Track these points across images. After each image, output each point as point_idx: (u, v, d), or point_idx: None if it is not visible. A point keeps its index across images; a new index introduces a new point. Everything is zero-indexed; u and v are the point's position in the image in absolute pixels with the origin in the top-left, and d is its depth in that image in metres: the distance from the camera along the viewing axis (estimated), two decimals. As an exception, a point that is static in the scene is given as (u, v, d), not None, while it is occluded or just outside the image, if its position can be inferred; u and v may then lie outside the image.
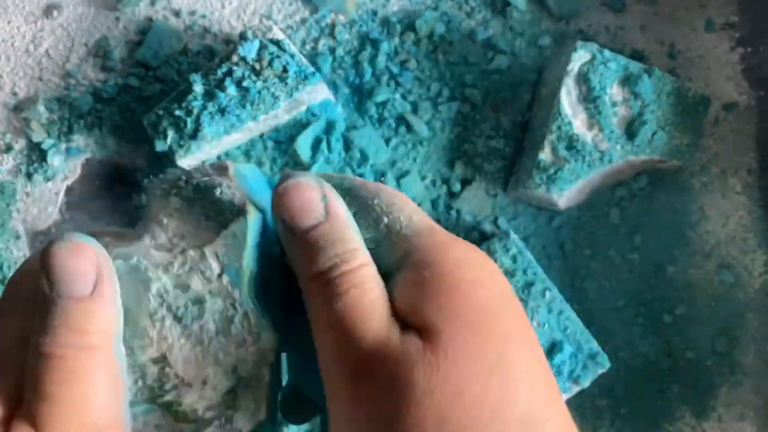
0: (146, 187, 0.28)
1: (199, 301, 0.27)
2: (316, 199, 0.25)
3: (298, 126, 0.57)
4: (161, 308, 0.26)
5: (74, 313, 0.24)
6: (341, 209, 0.26)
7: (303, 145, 0.56)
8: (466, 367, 0.22)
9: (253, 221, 0.27)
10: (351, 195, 0.27)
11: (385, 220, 0.26)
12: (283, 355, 0.30)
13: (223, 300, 0.27)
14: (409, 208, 0.26)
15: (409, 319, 0.24)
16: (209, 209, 0.27)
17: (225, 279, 0.27)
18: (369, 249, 0.26)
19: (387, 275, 0.25)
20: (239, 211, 0.26)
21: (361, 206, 0.27)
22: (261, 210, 0.28)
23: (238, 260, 0.26)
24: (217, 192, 0.27)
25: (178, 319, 0.26)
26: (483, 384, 0.22)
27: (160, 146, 0.55)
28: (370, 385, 0.23)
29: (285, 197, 0.25)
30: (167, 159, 0.57)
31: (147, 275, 0.26)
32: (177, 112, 0.55)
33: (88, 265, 0.24)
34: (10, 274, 0.25)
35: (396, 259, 0.25)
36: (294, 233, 0.25)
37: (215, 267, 0.26)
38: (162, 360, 0.26)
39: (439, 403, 0.22)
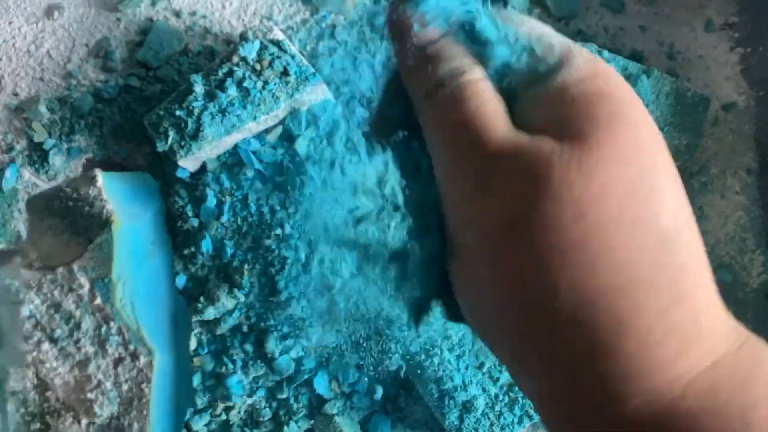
0: (27, 205, 0.27)
1: (71, 320, 0.25)
2: (432, 20, 0.25)
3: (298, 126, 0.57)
4: (36, 330, 0.25)
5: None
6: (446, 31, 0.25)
7: (302, 146, 0.56)
8: (613, 168, 0.21)
9: (120, 231, 0.26)
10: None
11: (532, 37, 0.25)
12: None
13: (95, 317, 0.25)
14: (552, 35, 0.25)
15: (547, 128, 0.22)
16: (79, 225, 0.26)
17: (95, 294, 0.25)
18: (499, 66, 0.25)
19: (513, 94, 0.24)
20: (105, 223, 0.25)
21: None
22: (135, 217, 0.26)
23: (108, 273, 0.25)
24: (86, 207, 0.26)
25: (53, 340, 0.25)
26: (631, 187, 0.21)
27: (160, 146, 0.55)
28: (500, 182, 0.22)
29: (402, 17, 0.25)
30: (168, 159, 0.57)
31: (18, 296, 0.25)
32: (178, 113, 0.55)
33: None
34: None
35: (532, 77, 0.24)
36: (410, 51, 0.25)
37: (85, 282, 0.25)
38: (41, 385, 0.25)
39: (580, 198, 0.21)
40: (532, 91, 0.24)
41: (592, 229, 0.21)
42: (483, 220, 0.22)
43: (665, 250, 0.22)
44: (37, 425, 0.25)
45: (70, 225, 0.26)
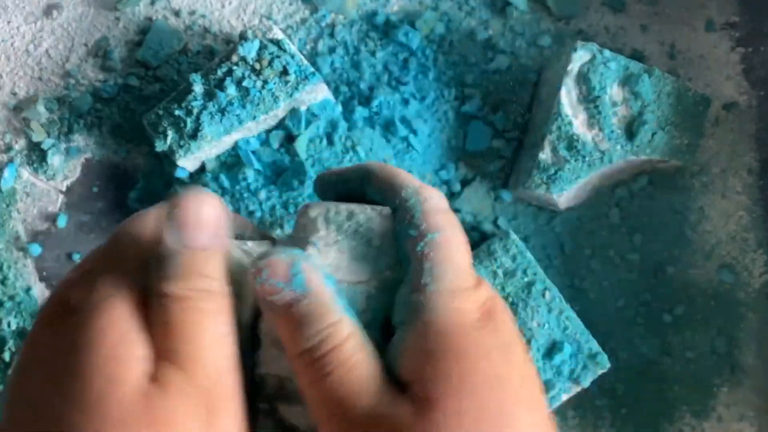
0: (302, 211, 0.28)
1: None
2: (290, 275, 0.25)
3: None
4: None
5: (198, 259, 0.25)
6: (319, 281, 0.25)
7: (302, 146, 0.56)
8: None
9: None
10: (408, 218, 0.27)
11: (425, 265, 0.26)
12: None
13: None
14: (455, 261, 0.26)
15: (408, 381, 0.24)
16: (366, 253, 0.27)
17: (365, 318, 0.27)
18: (385, 277, 0.26)
19: (392, 315, 0.26)
20: (396, 265, 0.27)
21: (407, 237, 0.26)
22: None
23: (382, 310, 0.26)
24: (375, 241, 0.27)
25: None
26: None
27: (159, 146, 0.55)
28: None
29: (259, 276, 0.25)
30: (167, 159, 0.57)
31: None
32: (177, 112, 0.55)
33: (213, 215, 0.25)
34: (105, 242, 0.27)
35: (409, 309, 0.25)
36: (272, 310, 0.25)
37: (363, 306, 0.27)
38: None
39: None
40: (398, 333, 0.25)
41: None
42: None
43: None
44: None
45: (357, 250, 0.28)
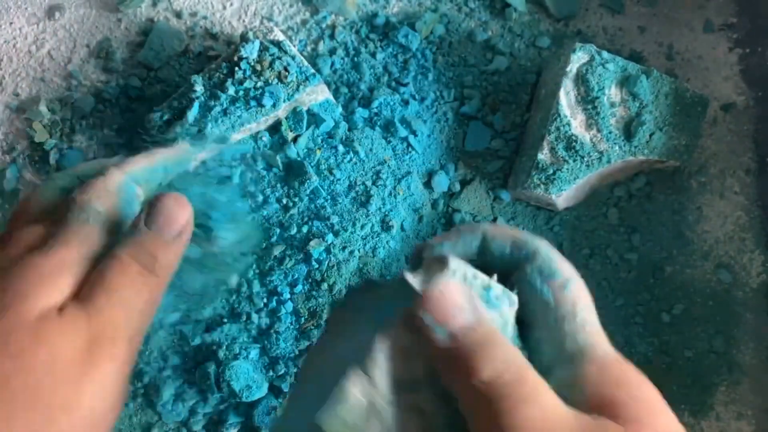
0: (438, 259, 0.27)
1: None
2: (466, 302, 0.25)
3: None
4: None
5: (155, 244, 0.29)
6: (485, 312, 0.25)
7: (303, 146, 0.57)
8: None
9: None
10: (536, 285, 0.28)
11: (579, 305, 0.27)
12: None
13: None
14: (589, 313, 0.28)
15: (599, 407, 0.25)
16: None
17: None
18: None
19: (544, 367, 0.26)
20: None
21: (550, 280, 0.28)
22: None
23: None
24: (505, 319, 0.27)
25: None
26: None
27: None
28: None
29: (435, 301, 0.25)
30: (168, 159, 0.57)
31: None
32: (178, 113, 0.55)
33: (183, 217, 0.30)
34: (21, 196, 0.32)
35: (575, 346, 0.26)
36: (440, 341, 0.24)
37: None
38: None
39: None
40: (565, 370, 0.26)
41: None
42: None
43: None
44: None
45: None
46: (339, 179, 0.57)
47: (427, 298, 0.24)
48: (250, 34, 0.57)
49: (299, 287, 0.54)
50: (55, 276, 0.28)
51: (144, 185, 0.33)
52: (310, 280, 0.55)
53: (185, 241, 0.31)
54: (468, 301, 0.25)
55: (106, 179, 0.31)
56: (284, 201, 0.56)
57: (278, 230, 0.54)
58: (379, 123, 0.60)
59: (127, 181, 0.32)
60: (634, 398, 0.25)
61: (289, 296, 0.54)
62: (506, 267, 0.29)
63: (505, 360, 0.24)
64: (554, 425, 0.23)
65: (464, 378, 0.24)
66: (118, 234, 0.30)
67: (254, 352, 0.54)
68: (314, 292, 0.55)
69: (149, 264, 0.29)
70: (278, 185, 0.56)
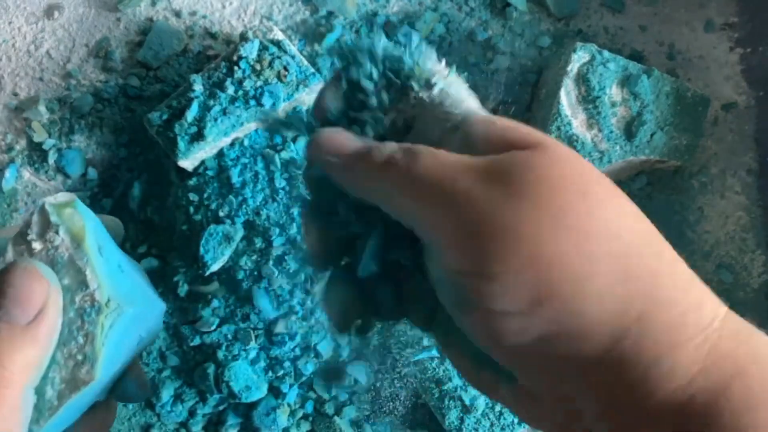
0: None
1: None
2: (351, 137, 0.27)
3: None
4: None
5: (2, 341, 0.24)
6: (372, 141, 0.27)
7: (303, 146, 0.56)
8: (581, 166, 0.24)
9: None
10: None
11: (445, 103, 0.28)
12: None
13: None
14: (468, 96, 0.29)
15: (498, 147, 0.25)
16: None
17: None
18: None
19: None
20: None
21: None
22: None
23: None
24: None
25: None
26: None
27: (161, 146, 0.55)
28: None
29: (324, 142, 0.27)
30: (167, 159, 0.57)
31: None
32: (177, 113, 0.55)
33: (38, 293, 0.25)
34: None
35: (448, 131, 0.27)
36: (337, 161, 0.26)
37: None
38: None
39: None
40: (454, 141, 0.26)
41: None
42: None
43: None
44: None
45: None
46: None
47: (315, 143, 0.27)
48: (250, 34, 0.56)
49: (299, 286, 0.54)
50: None
51: None
52: (310, 280, 0.55)
53: (49, 329, 0.25)
54: (350, 136, 0.27)
55: None
56: (284, 201, 0.55)
57: (278, 230, 0.54)
58: (379, 123, 0.60)
59: None
60: (528, 131, 0.25)
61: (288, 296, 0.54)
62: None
63: (388, 146, 0.25)
64: (455, 166, 0.23)
65: (364, 173, 0.25)
66: None
67: (253, 353, 0.54)
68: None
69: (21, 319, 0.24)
70: (277, 185, 0.56)
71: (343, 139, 0.26)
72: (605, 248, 0.22)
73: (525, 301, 0.22)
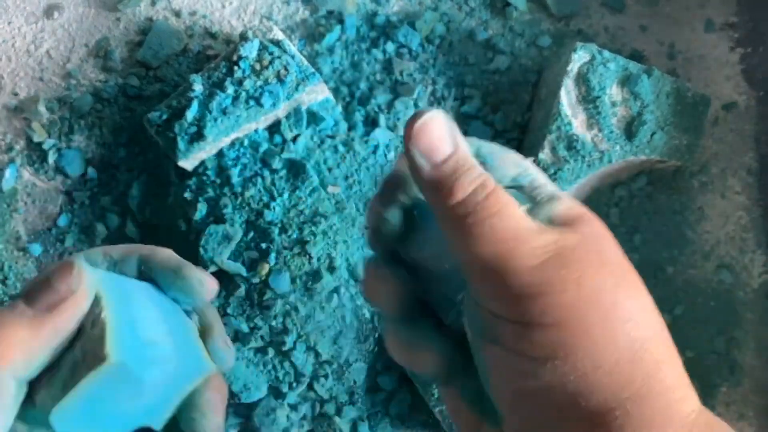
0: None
1: None
2: (447, 134, 0.27)
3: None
4: None
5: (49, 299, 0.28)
6: (461, 140, 0.28)
7: (302, 146, 0.56)
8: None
9: None
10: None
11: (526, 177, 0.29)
12: None
13: None
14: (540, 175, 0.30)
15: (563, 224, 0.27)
16: None
17: None
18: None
19: None
20: None
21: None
22: None
23: None
24: None
25: None
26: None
27: (161, 147, 0.55)
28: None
29: (419, 132, 0.27)
30: (167, 159, 0.57)
31: None
32: (177, 113, 0.55)
33: (62, 290, 0.28)
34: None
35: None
36: (425, 170, 0.27)
37: None
38: None
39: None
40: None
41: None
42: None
43: None
44: None
45: None
46: (339, 179, 0.57)
47: (412, 131, 0.27)
48: (250, 33, 0.56)
49: (299, 286, 0.54)
50: None
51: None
52: (310, 279, 0.55)
53: (55, 326, 0.28)
54: (448, 131, 0.27)
55: None
56: (284, 201, 0.55)
57: (277, 230, 0.54)
58: (378, 122, 0.60)
59: None
60: (570, 205, 0.28)
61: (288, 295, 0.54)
62: None
63: (475, 181, 0.26)
64: (523, 233, 0.25)
65: (443, 202, 0.26)
66: None
67: (253, 353, 0.54)
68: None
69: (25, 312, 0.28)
70: (278, 185, 0.55)
71: (439, 136, 0.27)
72: (627, 330, 0.25)
73: (548, 351, 0.25)
